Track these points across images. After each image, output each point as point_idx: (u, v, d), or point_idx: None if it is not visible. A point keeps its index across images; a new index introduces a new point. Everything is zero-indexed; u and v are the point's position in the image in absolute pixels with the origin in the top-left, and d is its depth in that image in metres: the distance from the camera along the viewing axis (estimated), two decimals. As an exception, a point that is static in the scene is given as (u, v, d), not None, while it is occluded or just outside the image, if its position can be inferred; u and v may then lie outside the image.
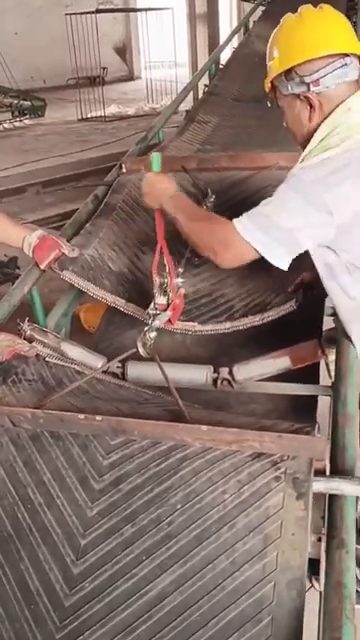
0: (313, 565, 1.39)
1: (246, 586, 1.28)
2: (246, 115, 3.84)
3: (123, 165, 2.85)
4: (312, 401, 2.03)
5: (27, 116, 11.53)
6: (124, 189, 2.69)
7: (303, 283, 2.04)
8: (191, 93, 4.59)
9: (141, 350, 1.88)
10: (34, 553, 1.39)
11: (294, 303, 1.98)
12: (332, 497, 1.34)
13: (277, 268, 1.85)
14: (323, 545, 1.34)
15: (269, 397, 2.07)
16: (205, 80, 4.83)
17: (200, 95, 4.55)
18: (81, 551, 1.38)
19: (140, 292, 2.17)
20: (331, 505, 1.32)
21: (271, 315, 2.02)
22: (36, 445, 1.56)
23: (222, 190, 2.54)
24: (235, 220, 1.69)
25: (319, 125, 1.68)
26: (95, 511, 1.43)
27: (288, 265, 1.67)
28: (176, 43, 12.47)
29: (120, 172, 2.85)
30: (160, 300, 2.03)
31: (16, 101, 11.48)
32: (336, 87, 1.66)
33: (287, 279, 2.09)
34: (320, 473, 1.42)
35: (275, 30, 1.77)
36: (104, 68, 13.44)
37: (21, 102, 11.54)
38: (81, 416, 1.56)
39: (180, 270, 2.18)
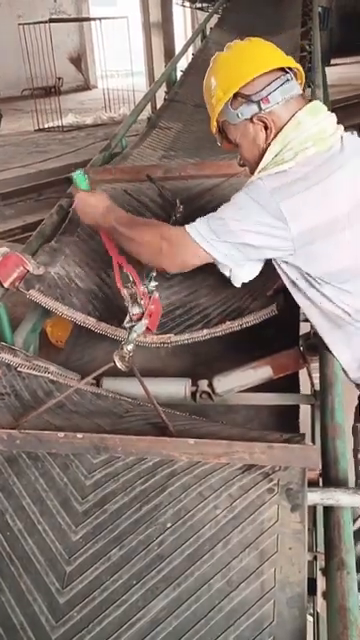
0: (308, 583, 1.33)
1: (244, 606, 1.21)
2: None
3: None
4: (294, 410, 1.99)
5: (-18, 128, 11.37)
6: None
7: (283, 287, 1.99)
8: (149, 103, 4.55)
9: (119, 364, 1.80)
10: (16, 584, 1.30)
11: (275, 307, 1.94)
12: (328, 510, 1.29)
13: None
14: (318, 564, 1.29)
15: (248, 407, 2.03)
16: (163, 88, 4.81)
17: (158, 104, 4.52)
18: (67, 579, 1.30)
19: (111, 309, 2.11)
20: (327, 519, 1.27)
21: (251, 320, 1.97)
22: (13, 468, 1.47)
23: (190, 199, 2.49)
24: (188, 225, 1.66)
25: (266, 148, 1.67)
26: (79, 535, 1.35)
27: (239, 271, 1.70)
28: (132, 52, 12.46)
29: (83, 183, 2.77)
30: (134, 310, 1.96)
31: (-30, 113, 11.32)
32: (285, 103, 1.65)
33: (265, 284, 2.05)
34: (313, 484, 1.37)
35: (208, 70, 1.76)
36: (59, 78, 13.35)
37: (-24, 114, 11.38)
38: (60, 434, 1.48)
39: (153, 274, 2.11)
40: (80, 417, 1.69)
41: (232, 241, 1.61)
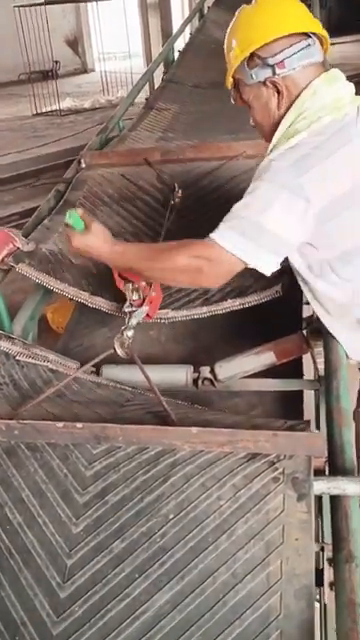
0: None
1: (250, 599, 1.18)
2: (207, 101, 3.74)
3: (82, 160, 2.71)
4: (298, 396, 1.95)
5: (-21, 113, 11.24)
6: (84, 185, 2.56)
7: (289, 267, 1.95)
8: (147, 84, 4.48)
9: (119, 351, 1.77)
10: (16, 579, 1.27)
11: (280, 288, 1.88)
12: (335, 500, 1.25)
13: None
14: (325, 554, 1.26)
15: (252, 393, 1.99)
16: (161, 68, 4.72)
17: (156, 85, 4.44)
18: (68, 573, 1.27)
19: (105, 285, 2.05)
20: (334, 509, 1.23)
21: (253, 300, 1.92)
22: (12, 459, 1.44)
23: (189, 183, 2.43)
24: (213, 234, 1.51)
25: (286, 112, 1.61)
26: (80, 527, 1.32)
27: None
28: (129, 33, 12.29)
29: (79, 168, 2.71)
30: (135, 296, 1.92)
31: (-33, 98, 11.19)
32: (302, 69, 1.59)
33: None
34: (319, 473, 1.33)
35: (231, 22, 1.70)
36: (56, 62, 13.17)
37: (-28, 99, 11.25)
38: (59, 424, 1.44)
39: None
40: (80, 406, 1.66)
41: (270, 244, 1.49)
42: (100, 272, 2.15)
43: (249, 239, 1.48)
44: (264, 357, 1.89)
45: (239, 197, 1.56)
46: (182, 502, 1.31)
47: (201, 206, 2.31)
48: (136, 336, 2.00)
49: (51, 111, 11.41)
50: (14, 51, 12.09)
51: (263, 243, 1.48)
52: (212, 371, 1.92)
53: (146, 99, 3.91)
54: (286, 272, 1.77)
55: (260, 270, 1.53)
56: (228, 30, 1.70)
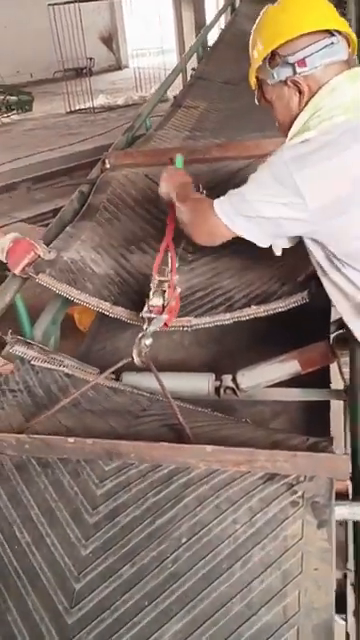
0: (337, 601, 1.22)
1: (265, 633, 1.11)
2: (236, 98, 3.64)
3: (107, 160, 2.65)
4: (324, 405, 1.86)
5: (14, 111, 11.33)
6: (108, 187, 2.50)
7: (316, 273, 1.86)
8: (181, 79, 4.41)
9: (136, 359, 1.71)
10: (23, 602, 1.23)
11: (306, 294, 1.80)
12: (358, 525, 1.17)
13: (284, 257, 1.70)
14: (349, 580, 1.18)
15: (276, 400, 1.91)
16: (194, 64, 4.64)
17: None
18: (75, 597, 1.22)
19: (127, 294, 2.00)
20: (358, 535, 1.15)
21: (279, 306, 1.83)
22: (22, 475, 1.40)
23: (214, 183, 2.34)
24: (216, 201, 1.61)
25: (299, 113, 1.55)
26: (89, 549, 1.26)
27: (268, 245, 1.60)
28: (162, 29, 12.23)
29: (104, 168, 2.66)
30: (155, 302, 1.86)
31: (2, 97, 11.28)
32: (324, 68, 1.51)
33: (297, 268, 1.91)
34: (342, 496, 1.25)
35: (256, 22, 1.64)
36: (90, 59, 13.19)
37: (7, 97, 11.34)
38: (70, 440, 1.39)
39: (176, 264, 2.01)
40: (94, 417, 1.60)
41: (249, 215, 1.53)
42: (122, 280, 2.10)
43: (235, 207, 1.55)
44: (288, 366, 1.81)
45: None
46: (195, 525, 1.24)
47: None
48: (159, 340, 1.94)
49: (84, 108, 11.42)
50: (49, 49, 12.14)
51: (246, 214, 1.53)
52: (234, 379, 1.85)
53: (174, 97, 3.83)
54: (313, 278, 1.69)
55: (242, 236, 1.57)
56: (253, 28, 1.63)
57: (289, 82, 1.53)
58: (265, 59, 1.55)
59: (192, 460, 1.33)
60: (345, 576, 1.25)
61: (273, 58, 1.54)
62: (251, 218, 1.52)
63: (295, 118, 1.55)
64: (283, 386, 1.86)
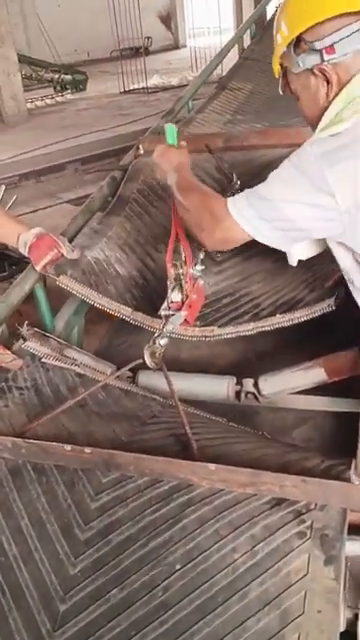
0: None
1: None
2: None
3: (140, 145, 2.54)
4: (352, 415, 1.73)
5: (69, 91, 11.29)
6: (140, 175, 2.39)
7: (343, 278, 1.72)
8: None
9: (148, 361, 1.61)
10: (5, 621, 1.15)
11: (333, 302, 1.66)
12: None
13: (313, 260, 1.58)
14: None
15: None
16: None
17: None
18: (59, 620, 1.13)
19: (151, 298, 1.90)
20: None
21: (304, 315, 1.71)
22: (15, 481, 1.32)
23: (250, 173, 2.21)
24: (229, 199, 1.46)
25: (328, 106, 1.38)
26: (78, 568, 1.18)
27: (291, 250, 1.49)
28: (222, 8, 11.95)
29: (137, 153, 2.54)
30: (174, 297, 1.76)
31: (57, 75, 11.24)
32: (356, 55, 1.34)
33: (328, 271, 1.78)
34: (355, 529, 1.13)
35: (281, 1, 1.47)
36: (148, 38, 13.03)
37: (62, 76, 11.30)
38: (67, 447, 1.31)
39: (201, 256, 1.90)
40: (99, 421, 1.51)
41: (271, 216, 1.37)
42: (145, 282, 2.00)
43: (254, 209, 1.39)
44: (313, 374, 1.68)
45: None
46: (192, 551, 1.14)
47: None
48: (180, 343, 1.84)
49: (138, 88, 11.29)
50: (106, 28, 12.04)
51: (267, 217, 1.38)
52: (256, 384, 1.74)
53: (220, 78, 3.68)
54: (341, 284, 1.55)
55: (262, 242, 1.42)
56: (278, 10, 1.48)
57: (316, 71, 1.37)
58: (290, 45, 1.39)
59: (194, 477, 1.23)
60: (356, 617, 1.13)
61: (298, 44, 1.37)
62: (273, 221, 1.37)
63: (323, 111, 1.39)
64: (308, 394, 1.74)
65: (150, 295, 1.93)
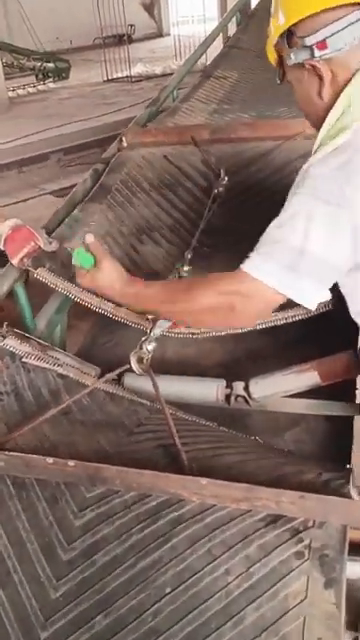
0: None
1: None
2: (270, 69, 3.38)
3: (124, 138, 2.45)
4: (344, 418, 1.67)
5: (51, 79, 11.11)
6: (123, 168, 2.30)
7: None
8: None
9: (135, 367, 1.53)
10: (-19, 650, 1.08)
11: (330, 301, 1.59)
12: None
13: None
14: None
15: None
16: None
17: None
18: (40, 649, 1.06)
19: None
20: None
21: (298, 314, 1.63)
22: (-6, 497, 1.24)
23: (239, 167, 2.14)
24: (244, 265, 1.28)
25: (334, 103, 1.26)
26: (60, 592, 1.10)
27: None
28: (205, -5, 11.82)
29: (121, 146, 2.46)
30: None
31: (39, 64, 11.05)
32: (353, 50, 1.23)
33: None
34: (357, 547, 1.06)
35: None
36: (131, 25, 12.84)
37: (44, 64, 11.11)
38: (49, 460, 1.22)
39: (188, 256, 1.82)
40: (83, 430, 1.43)
41: (303, 264, 1.21)
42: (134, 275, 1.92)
43: (287, 267, 1.21)
44: (306, 377, 1.61)
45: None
46: (183, 572, 1.07)
47: (250, 196, 2.03)
48: (167, 344, 1.77)
49: (122, 77, 11.14)
50: (89, 15, 11.85)
51: (305, 271, 1.21)
52: (246, 388, 1.66)
53: (204, 66, 3.59)
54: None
55: (304, 304, 1.27)
56: None
57: (307, 66, 1.26)
58: (282, 36, 1.29)
59: (184, 492, 1.15)
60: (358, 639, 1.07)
61: (291, 37, 1.27)
62: (309, 269, 1.21)
63: (317, 109, 1.29)
64: (300, 396, 1.67)
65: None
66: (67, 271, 1.80)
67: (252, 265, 1.26)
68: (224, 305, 1.32)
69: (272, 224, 1.24)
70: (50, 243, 1.79)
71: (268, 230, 1.25)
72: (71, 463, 1.21)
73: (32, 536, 1.17)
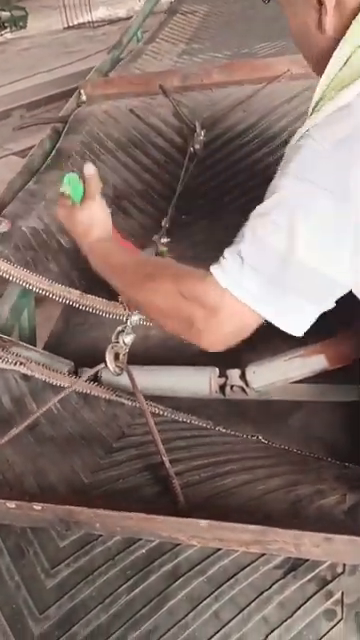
0: None
1: None
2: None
3: (82, 91, 2.15)
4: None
5: (7, 29, 10.52)
6: (84, 127, 2.01)
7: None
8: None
9: (111, 366, 1.30)
10: None
11: None
12: None
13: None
14: None
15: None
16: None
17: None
18: None
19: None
20: None
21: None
22: None
23: (215, 119, 1.85)
24: (214, 267, 0.94)
25: (337, 41, 0.90)
26: None
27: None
28: None
29: (79, 101, 2.16)
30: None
31: (-6, 13, 10.46)
32: None
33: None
34: None
35: None
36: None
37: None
38: (11, 504, 0.99)
39: (165, 225, 1.57)
40: (54, 448, 1.19)
41: (305, 286, 0.89)
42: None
43: (268, 279, 0.89)
44: (311, 361, 1.38)
45: (281, 138, 0.99)
46: (184, 646, 0.85)
47: (231, 151, 1.75)
48: (151, 333, 1.53)
49: (83, 23, 10.56)
50: None
51: (290, 284, 0.89)
52: (243, 376, 1.44)
53: (170, 2, 3.24)
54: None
55: (286, 329, 0.93)
56: None
57: None
58: None
59: (180, 535, 0.93)
60: None
61: None
62: (310, 292, 0.89)
63: (317, 46, 0.95)
64: (302, 381, 1.45)
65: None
66: (23, 255, 1.54)
67: (222, 269, 0.93)
68: (183, 314, 1.00)
69: (255, 211, 0.91)
70: (0, 223, 1.53)
71: (251, 217, 0.92)
72: (37, 507, 0.98)
73: (-6, 603, 0.94)
